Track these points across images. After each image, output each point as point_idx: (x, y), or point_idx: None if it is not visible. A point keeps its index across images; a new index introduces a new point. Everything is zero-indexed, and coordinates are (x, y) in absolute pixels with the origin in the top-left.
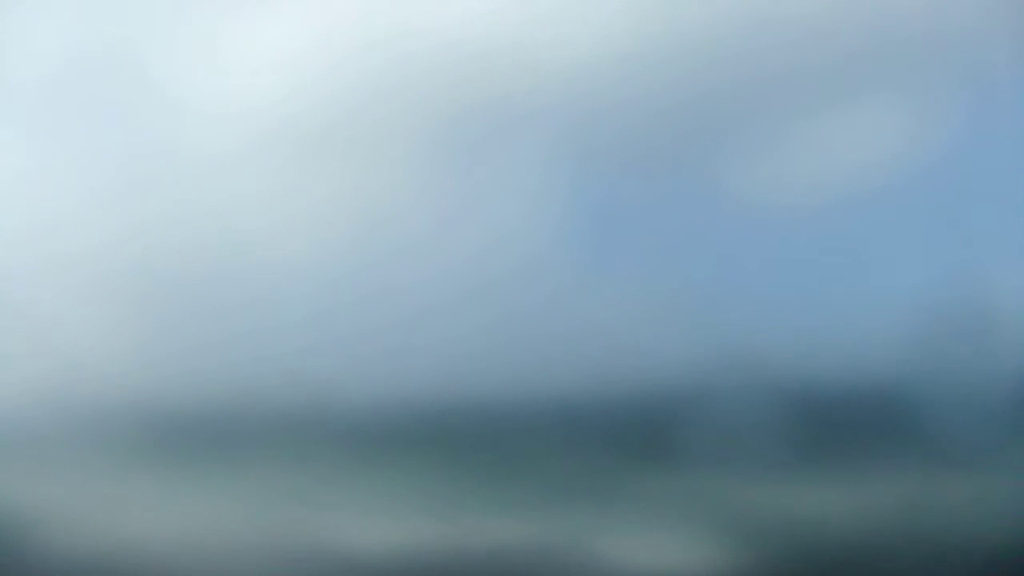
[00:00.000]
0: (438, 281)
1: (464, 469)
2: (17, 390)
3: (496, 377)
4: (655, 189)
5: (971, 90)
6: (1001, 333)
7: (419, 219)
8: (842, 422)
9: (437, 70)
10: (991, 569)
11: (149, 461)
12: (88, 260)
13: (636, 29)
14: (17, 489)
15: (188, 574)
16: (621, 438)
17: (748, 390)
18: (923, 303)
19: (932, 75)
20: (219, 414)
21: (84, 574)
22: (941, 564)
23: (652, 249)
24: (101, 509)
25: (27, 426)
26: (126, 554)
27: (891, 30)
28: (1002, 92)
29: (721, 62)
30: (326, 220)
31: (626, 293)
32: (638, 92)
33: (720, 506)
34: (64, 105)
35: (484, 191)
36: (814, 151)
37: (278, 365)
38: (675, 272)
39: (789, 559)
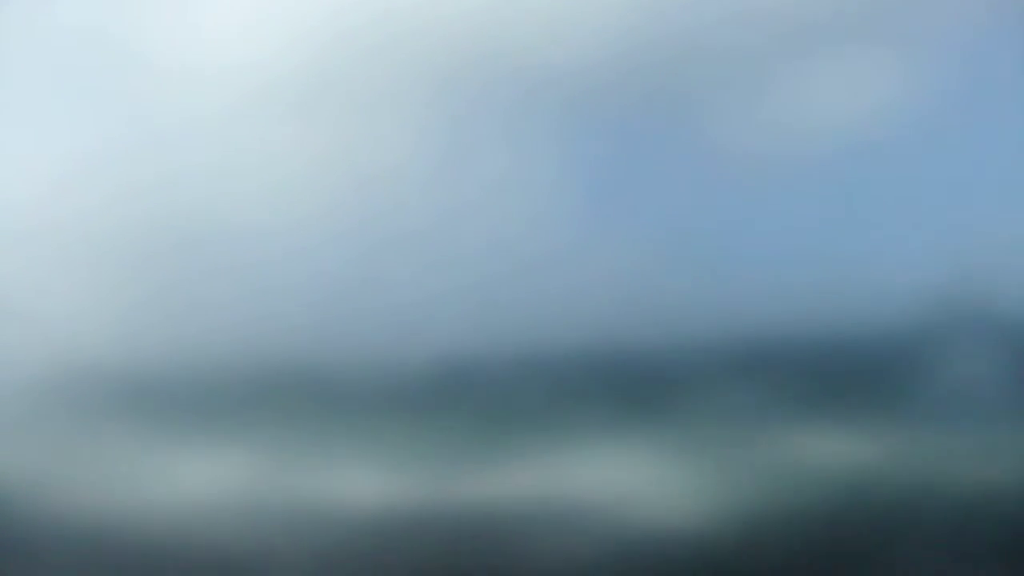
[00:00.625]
0: (433, 239)
1: (465, 425)
2: (5, 359)
3: (497, 332)
4: (652, 142)
5: (966, 43)
6: (1003, 285)
7: (412, 177)
8: (843, 376)
9: (429, 26)
10: (995, 532)
11: (140, 425)
12: (76, 226)
13: None
14: (9, 458)
15: (185, 537)
16: (624, 391)
17: (749, 342)
18: (915, 257)
19: (927, 26)
20: (212, 377)
21: (77, 541)
22: (939, 535)
23: (650, 202)
24: (92, 475)
25: (16, 394)
26: (120, 520)
27: None
28: (999, 45)
29: (711, 21)
30: (318, 179)
31: (626, 247)
32: (626, 47)
33: (722, 458)
34: (46, 74)
35: (478, 147)
36: (815, 101)
37: (272, 327)
38: (675, 225)
39: (788, 511)
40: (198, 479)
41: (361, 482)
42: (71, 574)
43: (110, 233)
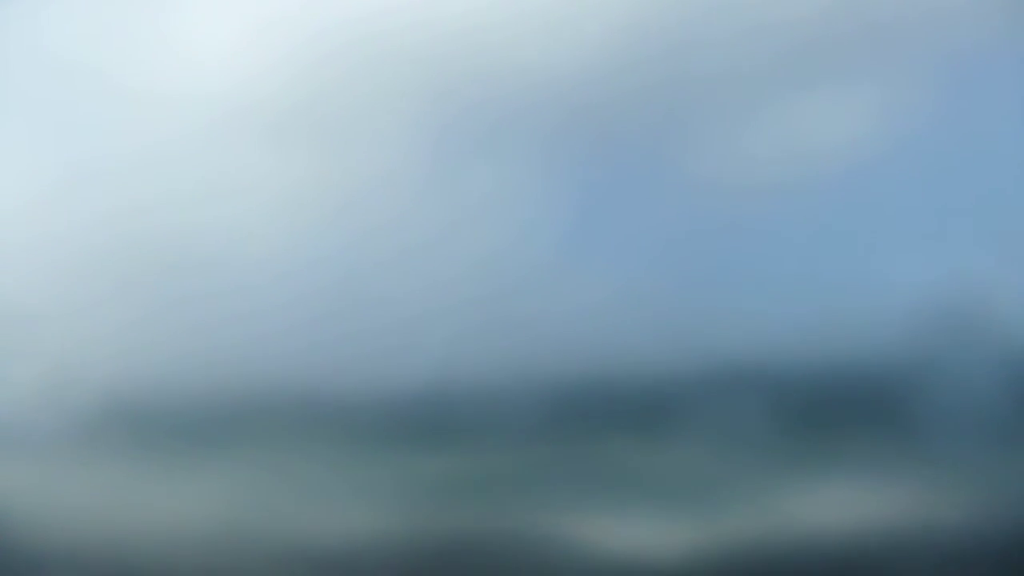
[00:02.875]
0: (414, 263)
1: (452, 457)
2: None
3: (479, 364)
4: (631, 171)
5: (955, 66)
6: (992, 316)
7: (393, 200)
8: (829, 409)
9: (408, 50)
10: (990, 567)
11: (127, 452)
12: (53, 250)
13: (609, 15)
14: (4, 483)
15: (176, 564)
16: (608, 424)
17: (733, 377)
18: (905, 284)
19: (914, 52)
20: (194, 402)
21: (70, 566)
22: (937, 562)
23: (633, 236)
24: (85, 499)
25: (7, 419)
26: (113, 546)
27: (871, 5)
28: (984, 72)
29: (696, 48)
30: (298, 204)
31: (609, 280)
32: (612, 75)
33: (708, 492)
34: (22, 101)
35: (460, 171)
36: (797, 134)
37: (253, 352)
38: (658, 259)
39: (777, 547)
40: (182, 503)
41: (348, 510)
42: None
43: (88, 258)
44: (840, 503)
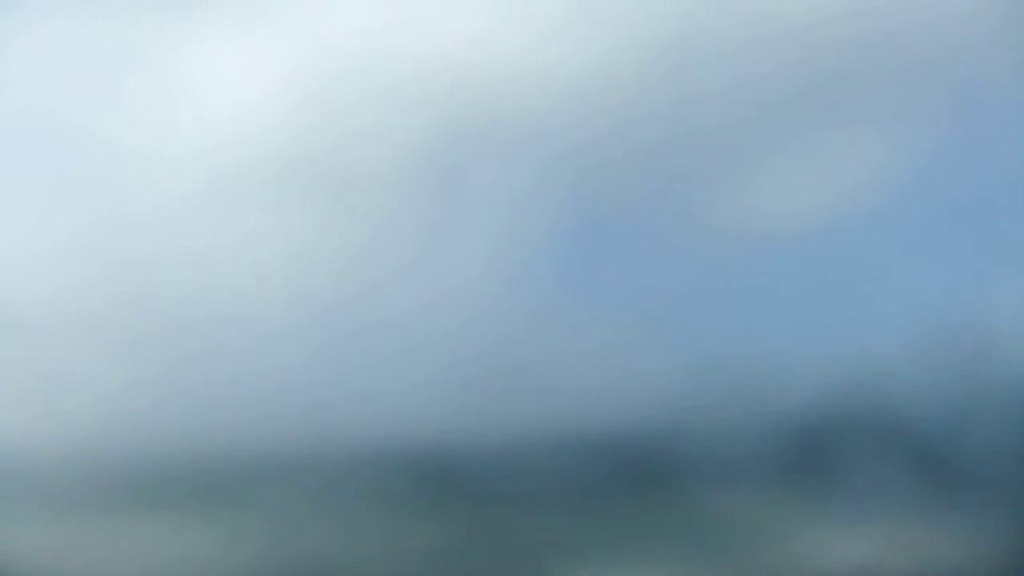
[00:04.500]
0: (415, 317)
1: (456, 514)
2: None
3: (477, 413)
4: (635, 219)
5: (955, 107)
6: (994, 349)
7: (397, 253)
8: (832, 446)
9: (412, 101)
10: None
11: (128, 500)
12: (62, 303)
13: (615, 63)
14: (5, 532)
15: None
16: (608, 471)
17: (737, 418)
18: (911, 324)
19: (914, 96)
20: (194, 456)
21: None
22: None
23: (632, 279)
24: (85, 545)
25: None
26: None
27: (871, 50)
28: (988, 105)
29: (702, 90)
30: (291, 263)
31: (611, 328)
32: (617, 124)
33: (714, 534)
34: (17, 160)
35: (457, 227)
36: (797, 178)
37: (256, 411)
38: (657, 301)
39: None
40: (186, 555)
41: (352, 565)
42: None
43: (81, 318)
44: (848, 539)
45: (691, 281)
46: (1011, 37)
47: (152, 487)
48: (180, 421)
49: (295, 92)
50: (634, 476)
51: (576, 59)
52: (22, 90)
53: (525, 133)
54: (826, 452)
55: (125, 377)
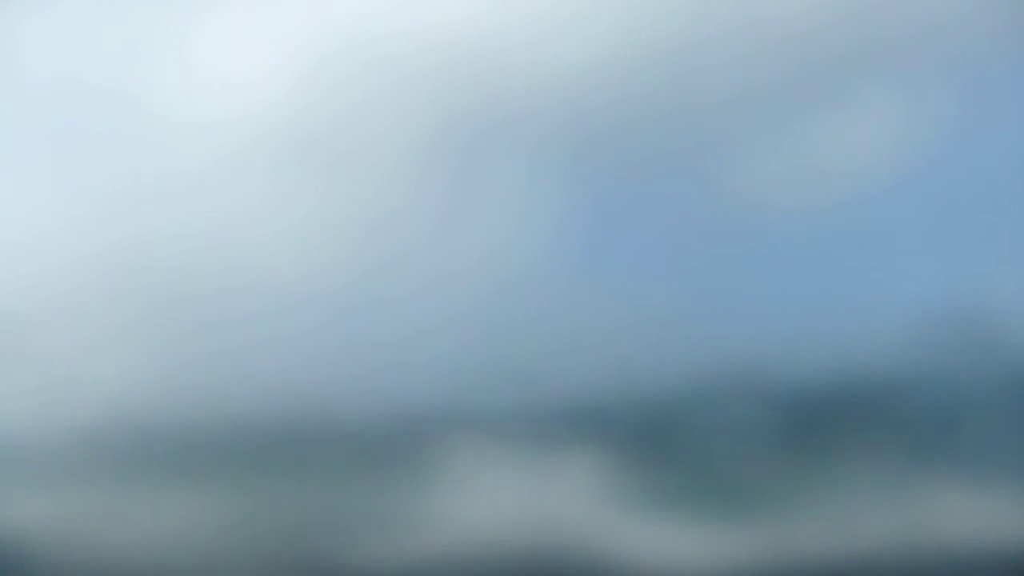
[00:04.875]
0: (431, 291)
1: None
2: (11, 406)
3: (493, 387)
4: (651, 192)
5: (969, 87)
6: (1000, 332)
7: (411, 228)
8: (839, 424)
9: (424, 74)
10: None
11: (142, 474)
12: (77, 277)
13: (629, 32)
14: (14, 503)
15: None
16: (621, 443)
17: (748, 394)
18: (923, 304)
19: (930, 72)
20: (209, 428)
21: None
22: (940, 568)
23: (648, 254)
24: (97, 522)
25: (20, 440)
26: (121, 567)
27: (886, 27)
28: (1001, 88)
29: (714, 63)
30: (316, 232)
31: (622, 299)
32: (631, 95)
33: (719, 508)
34: (47, 128)
35: (479, 197)
36: (811, 153)
37: (270, 379)
38: (672, 277)
39: (786, 559)
40: (190, 527)
41: (359, 535)
42: None
43: (108, 286)
44: (845, 514)
45: (708, 251)
46: None
47: (164, 459)
48: (189, 392)
49: (305, 66)
50: (649, 445)
51: (588, 29)
52: (45, 59)
53: (537, 106)
54: (830, 428)
55: (135, 351)
